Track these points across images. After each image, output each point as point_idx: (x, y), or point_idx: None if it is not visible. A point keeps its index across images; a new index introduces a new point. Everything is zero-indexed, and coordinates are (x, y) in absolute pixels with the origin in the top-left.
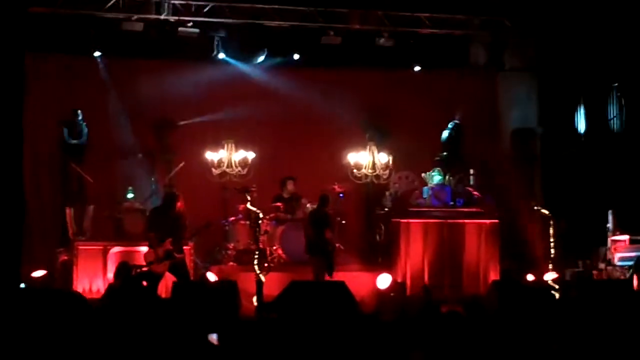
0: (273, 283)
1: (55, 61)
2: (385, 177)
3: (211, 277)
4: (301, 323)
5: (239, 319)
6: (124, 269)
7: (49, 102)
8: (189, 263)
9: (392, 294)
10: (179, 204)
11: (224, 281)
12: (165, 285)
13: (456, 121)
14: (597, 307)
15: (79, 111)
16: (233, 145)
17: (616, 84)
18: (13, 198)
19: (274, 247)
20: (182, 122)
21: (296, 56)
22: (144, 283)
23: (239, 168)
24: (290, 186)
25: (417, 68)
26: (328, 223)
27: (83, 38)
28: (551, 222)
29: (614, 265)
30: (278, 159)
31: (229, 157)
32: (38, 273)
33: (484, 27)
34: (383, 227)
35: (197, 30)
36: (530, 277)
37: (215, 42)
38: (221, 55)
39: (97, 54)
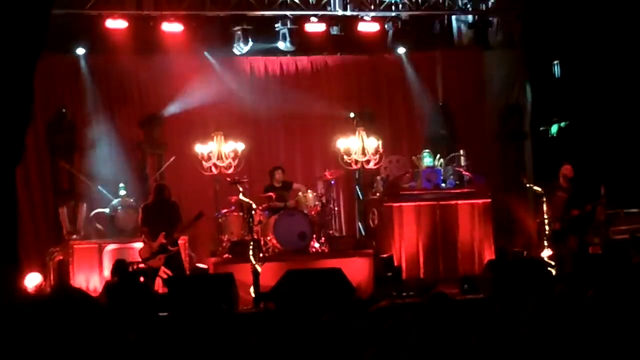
0: (269, 273)
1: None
2: (375, 162)
3: (202, 266)
4: (299, 311)
5: (237, 310)
6: (121, 266)
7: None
8: (184, 257)
9: (389, 274)
10: (168, 195)
11: (220, 273)
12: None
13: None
14: (594, 281)
15: (64, 110)
16: (222, 137)
17: None
18: (6, 201)
19: (268, 237)
20: (168, 115)
21: (282, 45)
22: (141, 279)
23: (229, 160)
24: (278, 175)
25: (401, 50)
26: None
27: (65, 35)
28: (544, 199)
29: (609, 240)
30: (267, 148)
31: (218, 149)
32: (32, 281)
33: (468, 7)
34: (376, 212)
35: (181, 26)
36: (525, 255)
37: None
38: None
39: (80, 51)
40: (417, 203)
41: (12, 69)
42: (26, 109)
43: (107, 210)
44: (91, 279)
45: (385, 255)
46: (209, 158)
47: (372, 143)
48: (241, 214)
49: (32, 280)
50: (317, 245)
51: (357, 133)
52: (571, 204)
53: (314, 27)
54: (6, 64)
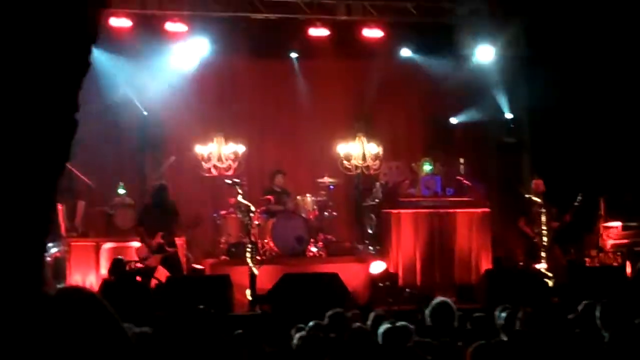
0: (265, 276)
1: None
2: (375, 167)
3: (198, 267)
4: (295, 315)
5: (232, 312)
6: (119, 265)
7: None
8: (182, 257)
9: (386, 284)
10: (168, 196)
11: (217, 275)
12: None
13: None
14: (590, 293)
15: None
16: (222, 138)
17: None
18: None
19: (266, 240)
20: (168, 115)
21: (285, 49)
22: (138, 278)
23: (229, 161)
24: (279, 180)
25: (405, 53)
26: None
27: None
28: (542, 210)
29: (606, 252)
30: (268, 151)
31: (218, 150)
32: None
33: (471, 15)
34: (374, 218)
35: (185, 26)
36: (522, 266)
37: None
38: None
39: None
40: (416, 210)
41: (61, 74)
42: (71, 117)
43: (105, 208)
44: (88, 277)
45: (376, 274)
46: (209, 159)
47: (373, 149)
48: (239, 216)
49: None
50: (314, 249)
51: (357, 138)
52: (550, 217)
53: (318, 31)
54: (56, 68)
